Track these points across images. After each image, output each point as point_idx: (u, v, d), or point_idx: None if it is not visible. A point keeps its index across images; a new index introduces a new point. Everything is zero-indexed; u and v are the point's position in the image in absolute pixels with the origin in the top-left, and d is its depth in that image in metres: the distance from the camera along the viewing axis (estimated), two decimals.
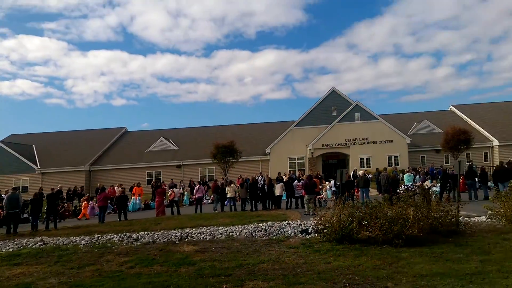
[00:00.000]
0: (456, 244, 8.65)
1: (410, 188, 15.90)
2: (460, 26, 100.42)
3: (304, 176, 21.29)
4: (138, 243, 10.98)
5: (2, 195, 22.96)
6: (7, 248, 11.37)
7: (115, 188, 23.76)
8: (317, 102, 36.96)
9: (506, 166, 17.02)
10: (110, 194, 20.61)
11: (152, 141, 40.12)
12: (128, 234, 12.01)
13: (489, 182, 18.47)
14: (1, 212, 18.17)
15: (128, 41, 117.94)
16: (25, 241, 12.10)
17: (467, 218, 11.06)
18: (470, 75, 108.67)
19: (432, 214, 9.59)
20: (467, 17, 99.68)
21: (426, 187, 16.82)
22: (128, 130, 46.90)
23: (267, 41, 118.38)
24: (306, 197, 15.93)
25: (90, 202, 21.60)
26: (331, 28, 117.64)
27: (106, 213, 18.20)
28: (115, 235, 12.02)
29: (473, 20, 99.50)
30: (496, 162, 28.48)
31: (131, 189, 24.74)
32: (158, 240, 11.21)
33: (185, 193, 24.09)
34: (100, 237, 11.97)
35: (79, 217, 20.46)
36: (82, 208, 20.92)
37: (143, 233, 12.23)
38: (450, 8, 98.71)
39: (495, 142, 34.99)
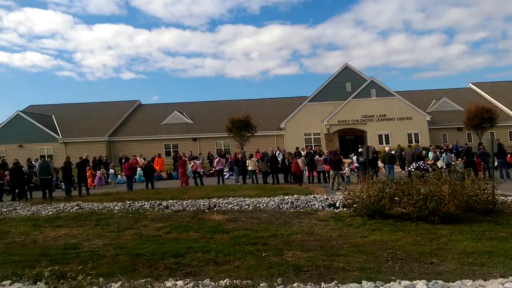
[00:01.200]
0: (496, 223, 8.57)
1: (422, 167, 15.62)
2: (471, 3, 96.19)
3: (325, 151, 21.24)
4: (169, 210, 11.17)
5: (32, 162, 23.44)
6: (47, 211, 11.69)
7: (138, 158, 24.15)
8: (330, 78, 36.30)
9: None
10: (133, 164, 20.88)
11: (166, 115, 40.12)
12: (158, 202, 12.17)
13: None
14: (36, 179, 18.67)
15: (132, 15, 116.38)
16: (61, 205, 12.40)
17: (503, 197, 10.92)
18: (485, 53, 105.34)
19: (467, 192, 9.50)
20: None
21: (440, 166, 16.56)
22: (142, 103, 46.95)
23: (272, 16, 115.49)
24: (332, 172, 15.91)
25: (98, 172, 21.70)
26: (337, 3, 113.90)
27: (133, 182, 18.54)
28: (146, 202, 12.22)
29: None
30: None
31: (152, 160, 25.07)
32: (187, 208, 11.36)
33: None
34: (132, 204, 12.18)
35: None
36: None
37: (172, 201, 12.40)
38: None
39: None
